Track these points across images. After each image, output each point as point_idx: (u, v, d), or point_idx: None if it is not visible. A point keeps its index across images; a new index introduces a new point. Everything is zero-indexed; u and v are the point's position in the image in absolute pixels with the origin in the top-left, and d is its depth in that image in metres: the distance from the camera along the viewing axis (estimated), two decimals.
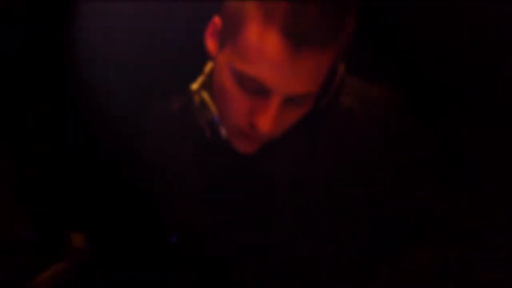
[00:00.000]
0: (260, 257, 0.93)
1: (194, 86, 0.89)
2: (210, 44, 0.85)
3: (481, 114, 1.54)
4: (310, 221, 0.92)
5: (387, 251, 0.95)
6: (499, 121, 1.49)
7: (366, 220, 0.95)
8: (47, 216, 1.69)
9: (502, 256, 0.93)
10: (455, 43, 1.54)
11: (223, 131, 0.87)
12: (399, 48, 1.58)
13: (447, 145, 1.59)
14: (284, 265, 0.93)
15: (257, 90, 0.79)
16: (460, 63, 1.56)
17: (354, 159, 0.94)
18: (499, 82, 1.44)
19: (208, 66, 0.91)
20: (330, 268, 0.95)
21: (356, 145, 0.94)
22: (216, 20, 0.84)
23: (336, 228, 0.93)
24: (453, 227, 0.95)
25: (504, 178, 1.57)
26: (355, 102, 0.95)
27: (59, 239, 1.56)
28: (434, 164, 0.97)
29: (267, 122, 0.79)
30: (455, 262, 0.91)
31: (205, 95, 0.88)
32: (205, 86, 0.90)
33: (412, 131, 0.97)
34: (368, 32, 1.51)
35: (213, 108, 0.87)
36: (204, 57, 0.87)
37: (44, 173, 1.78)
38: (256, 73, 0.77)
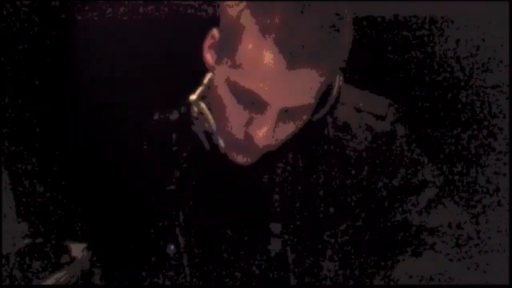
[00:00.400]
0: (260, 260, 0.94)
1: (192, 97, 0.89)
2: (208, 56, 0.85)
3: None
4: (308, 229, 0.93)
5: (385, 259, 0.95)
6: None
7: (363, 227, 0.95)
8: (47, 222, 1.69)
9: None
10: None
11: (221, 142, 0.87)
12: (396, 58, 1.58)
13: (443, 153, 1.59)
14: (283, 268, 0.93)
15: (253, 102, 0.78)
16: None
17: (351, 169, 0.94)
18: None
19: (207, 77, 0.91)
20: (329, 271, 0.95)
21: (353, 155, 0.94)
22: (214, 32, 0.84)
23: (334, 234, 0.93)
24: (451, 236, 0.94)
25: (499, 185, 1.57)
26: (352, 112, 0.95)
27: (60, 248, 1.57)
28: (431, 174, 0.97)
29: (263, 134, 0.79)
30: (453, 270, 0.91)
31: (203, 106, 0.88)
32: (203, 97, 0.90)
33: (409, 141, 0.97)
34: (365, 44, 1.51)
35: (210, 119, 0.87)
36: (204, 68, 0.87)
37: (43, 174, 1.78)
38: (252, 85, 0.76)
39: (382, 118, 0.95)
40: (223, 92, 0.80)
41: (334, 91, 0.90)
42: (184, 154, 0.93)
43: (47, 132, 1.78)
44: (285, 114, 0.79)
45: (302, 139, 0.90)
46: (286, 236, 0.92)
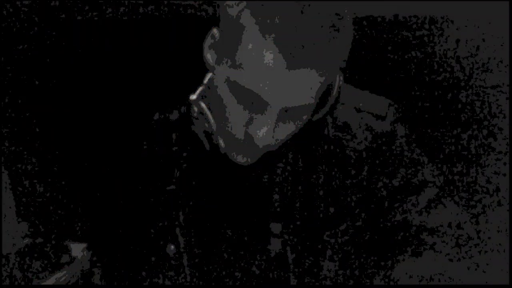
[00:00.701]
0: (260, 260, 0.94)
1: (192, 97, 0.89)
2: (208, 56, 0.85)
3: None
4: (308, 229, 0.93)
5: (385, 259, 0.95)
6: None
7: (363, 227, 0.95)
8: (47, 222, 1.69)
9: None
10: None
11: (221, 142, 0.87)
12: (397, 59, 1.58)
13: (443, 153, 1.59)
14: (283, 268, 0.94)
15: (253, 102, 0.79)
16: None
17: (351, 169, 0.94)
18: None
19: (207, 77, 0.91)
20: (329, 271, 0.95)
21: (353, 155, 0.94)
22: (214, 32, 0.84)
23: (334, 234, 0.94)
24: (451, 236, 0.95)
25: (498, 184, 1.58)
26: (352, 112, 0.95)
27: (60, 248, 1.57)
28: (431, 174, 0.97)
29: (263, 134, 0.79)
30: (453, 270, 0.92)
31: (203, 106, 0.88)
32: (203, 97, 0.90)
33: (409, 141, 0.97)
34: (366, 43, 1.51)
35: (210, 119, 0.87)
36: (204, 68, 0.87)
37: (43, 174, 1.78)
38: (252, 85, 0.76)
39: (382, 118, 0.95)
40: (223, 92, 0.80)
41: (334, 91, 0.90)
42: (184, 154, 0.93)
43: (47, 132, 1.78)
44: (285, 114, 0.79)
45: (302, 139, 0.90)
46: (286, 236, 0.92)
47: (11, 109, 1.79)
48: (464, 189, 1.59)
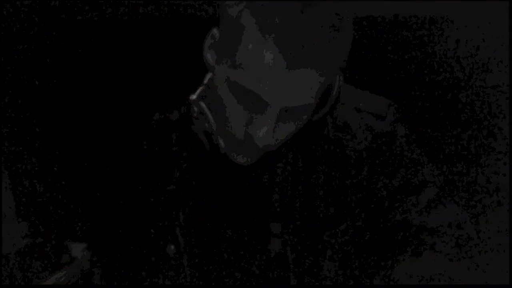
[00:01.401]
0: (260, 260, 0.94)
1: (192, 97, 0.89)
2: (208, 56, 0.85)
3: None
4: (309, 229, 0.93)
5: (385, 259, 0.95)
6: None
7: (363, 227, 0.95)
8: (47, 222, 1.69)
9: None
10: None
11: (221, 142, 0.87)
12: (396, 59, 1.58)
13: (443, 153, 1.59)
14: (283, 268, 0.94)
15: (253, 102, 0.79)
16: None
17: (351, 169, 0.94)
18: None
19: (207, 77, 0.91)
20: (329, 271, 0.95)
21: (353, 155, 0.94)
22: (214, 32, 0.84)
23: (334, 234, 0.94)
24: (451, 236, 0.95)
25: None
26: (352, 112, 0.95)
27: (60, 248, 1.57)
28: (431, 174, 0.97)
29: (263, 134, 0.79)
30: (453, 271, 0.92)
31: (203, 106, 0.88)
32: (203, 97, 0.90)
33: (409, 141, 0.97)
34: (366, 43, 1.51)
35: (210, 119, 0.87)
36: (204, 68, 0.87)
37: (43, 174, 1.78)
38: (252, 85, 0.76)
39: (382, 118, 0.95)
40: (223, 92, 0.80)
41: (334, 91, 0.90)
42: (184, 154, 0.93)
43: (47, 132, 1.78)
44: (285, 114, 0.79)
45: (302, 139, 0.90)
46: (286, 236, 0.92)
47: (11, 109, 1.79)
48: (464, 189, 1.60)
